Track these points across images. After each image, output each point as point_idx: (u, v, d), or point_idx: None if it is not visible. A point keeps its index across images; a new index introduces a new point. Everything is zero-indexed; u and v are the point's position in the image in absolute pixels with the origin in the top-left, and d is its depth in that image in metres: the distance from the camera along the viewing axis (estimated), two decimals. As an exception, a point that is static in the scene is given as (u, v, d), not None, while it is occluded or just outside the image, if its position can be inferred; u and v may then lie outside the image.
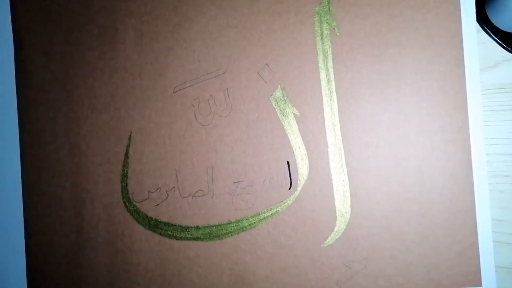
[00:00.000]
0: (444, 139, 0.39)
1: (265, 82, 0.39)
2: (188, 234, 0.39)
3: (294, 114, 0.39)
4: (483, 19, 0.41)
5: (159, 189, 0.39)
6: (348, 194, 0.39)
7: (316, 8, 0.39)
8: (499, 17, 0.40)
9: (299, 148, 0.39)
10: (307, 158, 0.39)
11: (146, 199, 0.39)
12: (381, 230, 0.39)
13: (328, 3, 0.39)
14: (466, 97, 0.39)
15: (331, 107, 0.39)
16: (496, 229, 0.39)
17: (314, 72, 0.39)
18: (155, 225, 0.38)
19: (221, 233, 0.39)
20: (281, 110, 0.39)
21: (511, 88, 0.41)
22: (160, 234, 0.38)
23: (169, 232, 0.39)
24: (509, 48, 0.41)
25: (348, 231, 0.39)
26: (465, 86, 0.39)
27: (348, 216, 0.39)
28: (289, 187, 0.39)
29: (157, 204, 0.39)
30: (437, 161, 0.39)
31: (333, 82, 0.39)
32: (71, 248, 0.38)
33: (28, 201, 0.38)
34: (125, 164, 0.39)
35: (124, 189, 0.39)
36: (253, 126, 0.39)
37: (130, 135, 0.39)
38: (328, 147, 0.39)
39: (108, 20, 0.39)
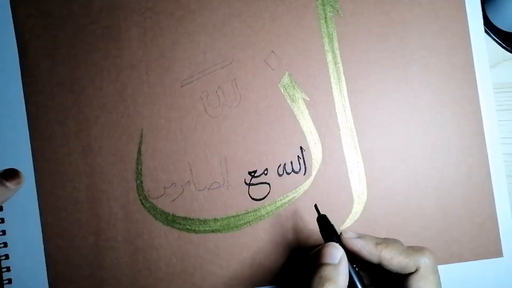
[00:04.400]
0: (456, 112, 0.39)
1: (272, 69, 0.39)
2: (206, 227, 0.38)
3: (303, 99, 0.39)
4: (483, 19, 0.40)
5: (174, 184, 0.39)
6: (363, 175, 0.39)
7: (318, -9, 0.39)
8: (498, 17, 0.40)
9: (311, 133, 0.39)
10: (320, 142, 0.39)
11: (162, 195, 0.39)
12: (399, 208, 0.39)
13: (329, -15, 0.39)
14: (474, 69, 0.39)
15: (340, 89, 0.39)
16: (514, 198, 0.39)
17: (320, 55, 0.39)
18: (173, 221, 0.38)
19: (240, 224, 0.39)
20: (290, 96, 0.39)
21: (510, 88, 0.41)
22: (179, 229, 0.38)
23: (188, 226, 0.38)
24: (509, 48, 0.41)
25: (366, 212, 0.39)
26: (473, 56, 0.39)
27: (365, 197, 0.39)
28: (304, 172, 0.39)
29: (174, 200, 0.38)
30: (450, 135, 0.39)
31: (340, 64, 0.39)
32: (91, 249, 0.38)
33: (43, 206, 0.38)
34: (139, 162, 0.39)
35: (140, 186, 0.38)
36: (264, 115, 0.39)
37: (142, 132, 0.39)
38: (340, 130, 0.39)
39: (111, 19, 0.39)
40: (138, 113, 0.39)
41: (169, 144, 0.39)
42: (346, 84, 0.39)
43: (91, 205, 0.38)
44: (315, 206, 0.33)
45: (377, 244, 0.29)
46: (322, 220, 0.32)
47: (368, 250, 0.29)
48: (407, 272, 0.29)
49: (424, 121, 0.39)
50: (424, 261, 0.28)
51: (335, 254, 0.28)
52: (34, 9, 0.39)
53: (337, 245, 0.29)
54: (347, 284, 0.28)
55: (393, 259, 0.28)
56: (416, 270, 0.28)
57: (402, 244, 0.30)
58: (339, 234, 0.31)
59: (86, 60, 0.39)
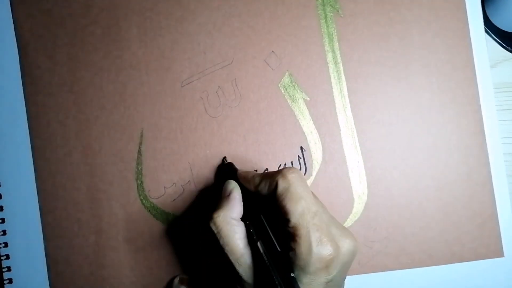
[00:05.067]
0: (456, 111, 0.39)
1: (272, 69, 0.39)
2: (207, 226, 0.38)
3: (303, 99, 0.39)
4: (483, 19, 0.40)
5: (174, 184, 0.39)
6: (364, 175, 0.39)
7: (318, -9, 0.39)
8: (498, 16, 0.40)
9: (312, 132, 0.39)
10: (320, 142, 0.39)
11: (163, 195, 0.38)
12: (400, 208, 0.38)
13: (329, -15, 0.39)
14: (474, 68, 0.39)
15: (340, 89, 0.39)
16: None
17: (320, 55, 0.39)
18: (173, 220, 0.38)
19: (240, 224, 0.39)
20: (290, 96, 0.39)
21: (510, 88, 0.41)
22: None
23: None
24: (509, 48, 0.41)
25: (367, 212, 0.39)
26: (473, 56, 0.39)
27: (366, 197, 0.39)
28: (304, 172, 0.39)
29: (174, 199, 0.38)
30: (451, 135, 0.39)
31: (340, 64, 0.39)
32: (92, 249, 0.38)
33: (44, 206, 0.38)
34: (139, 162, 0.39)
35: (140, 186, 0.38)
36: (264, 114, 0.39)
37: (142, 132, 0.39)
38: (340, 130, 0.39)
39: (111, 20, 0.39)
40: (138, 113, 0.39)
41: (169, 144, 0.39)
42: (347, 84, 0.39)
43: (91, 205, 0.38)
44: (224, 158, 0.38)
45: (255, 175, 0.32)
46: (229, 167, 0.37)
47: (247, 177, 0.33)
48: (272, 190, 0.30)
49: (425, 121, 0.39)
50: (279, 177, 0.29)
51: (227, 187, 0.33)
52: (34, 9, 0.39)
53: (231, 180, 0.34)
54: (241, 216, 0.31)
55: (259, 181, 0.31)
56: (277, 189, 0.29)
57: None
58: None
59: (86, 60, 0.39)
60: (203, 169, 0.39)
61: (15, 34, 0.39)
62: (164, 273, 0.38)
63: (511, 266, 0.38)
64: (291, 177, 0.29)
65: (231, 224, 0.30)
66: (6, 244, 0.38)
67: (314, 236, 0.27)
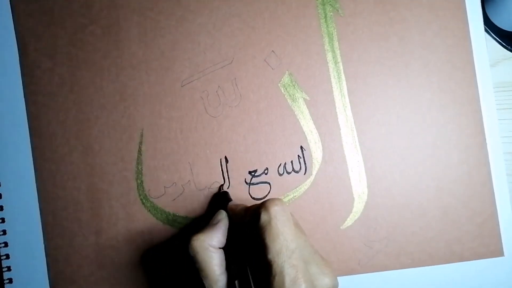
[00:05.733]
0: (456, 111, 0.39)
1: (272, 69, 0.39)
2: (207, 226, 0.38)
3: (303, 98, 0.39)
4: (483, 18, 0.40)
5: (174, 184, 0.39)
6: (364, 175, 0.39)
7: (318, -9, 0.39)
8: (498, 16, 0.40)
9: (312, 132, 0.39)
10: (320, 141, 0.39)
11: (163, 195, 0.38)
12: (400, 208, 0.39)
13: (329, -16, 0.39)
14: (474, 68, 0.39)
15: (340, 89, 0.39)
16: (515, 197, 0.39)
17: (320, 55, 0.39)
18: (173, 220, 0.38)
19: (240, 223, 0.39)
20: (290, 95, 0.39)
21: (510, 87, 0.41)
22: (180, 228, 0.38)
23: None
24: (509, 47, 0.41)
25: (367, 211, 0.39)
26: (473, 56, 0.39)
27: (366, 197, 0.39)
28: (304, 172, 0.39)
29: (174, 199, 0.38)
30: (451, 134, 0.39)
31: (340, 64, 0.39)
32: (92, 249, 0.38)
33: (44, 206, 0.38)
34: (139, 162, 0.39)
35: (140, 186, 0.38)
36: (264, 114, 0.39)
37: (142, 132, 0.39)
38: (340, 129, 0.39)
39: (111, 19, 0.39)
40: (138, 113, 0.39)
41: (170, 144, 0.39)
42: (347, 84, 0.39)
43: (91, 205, 0.38)
44: (221, 186, 0.39)
45: (242, 208, 0.33)
46: (224, 196, 0.37)
47: (235, 210, 0.33)
48: (255, 223, 0.29)
49: (425, 120, 0.39)
50: (261, 210, 0.29)
51: (217, 216, 0.34)
52: (34, 9, 0.39)
53: (222, 211, 0.34)
54: (221, 245, 0.32)
55: (243, 213, 0.32)
56: (259, 222, 0.29)
57: None
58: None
59: (86, 60, 0.39)
60: (203, 168, 0.39)
61: (15, 34, 0.39)
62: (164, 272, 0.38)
63: (511, 266, 0.39)
64: (273, 210, 0.29)
65: (208, 250, 0.30)
66: (6, 244, 0.38)
67: (288, 276, 0.26)
